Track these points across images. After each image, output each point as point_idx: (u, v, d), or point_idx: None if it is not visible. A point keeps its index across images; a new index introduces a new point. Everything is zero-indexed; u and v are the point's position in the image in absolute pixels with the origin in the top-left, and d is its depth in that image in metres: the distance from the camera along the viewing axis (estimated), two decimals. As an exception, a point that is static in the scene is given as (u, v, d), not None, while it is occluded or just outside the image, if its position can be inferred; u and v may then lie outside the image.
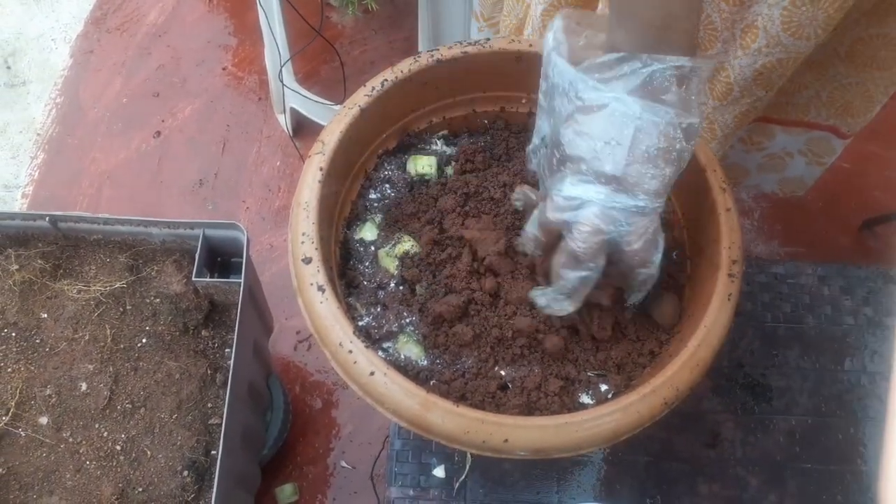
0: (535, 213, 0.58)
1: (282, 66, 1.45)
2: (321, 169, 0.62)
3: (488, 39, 0.68)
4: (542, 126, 0.57)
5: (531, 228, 0.58)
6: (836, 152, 1.02)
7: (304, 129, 1.68)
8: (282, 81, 1.49)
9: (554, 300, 0.58)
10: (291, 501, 1.30)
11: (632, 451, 0.79)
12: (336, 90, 1.66)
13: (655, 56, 0.49)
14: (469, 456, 0.78)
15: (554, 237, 0.56)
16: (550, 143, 0.54)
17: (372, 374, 0.54)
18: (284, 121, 1.66)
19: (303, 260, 0.58)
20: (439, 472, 0.77)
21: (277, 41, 1.43)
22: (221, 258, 1.06)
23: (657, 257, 0.55)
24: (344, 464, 1.34)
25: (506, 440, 0.52)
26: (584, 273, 0.54)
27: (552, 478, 0.77)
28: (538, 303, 0.60)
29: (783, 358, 0.85)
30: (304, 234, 0.58)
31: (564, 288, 0.56)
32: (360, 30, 1.83)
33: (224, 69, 1.79)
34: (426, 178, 0.71)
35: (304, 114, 1.58)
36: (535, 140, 0.58)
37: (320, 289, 0.56)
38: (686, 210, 0.68)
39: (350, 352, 0.54)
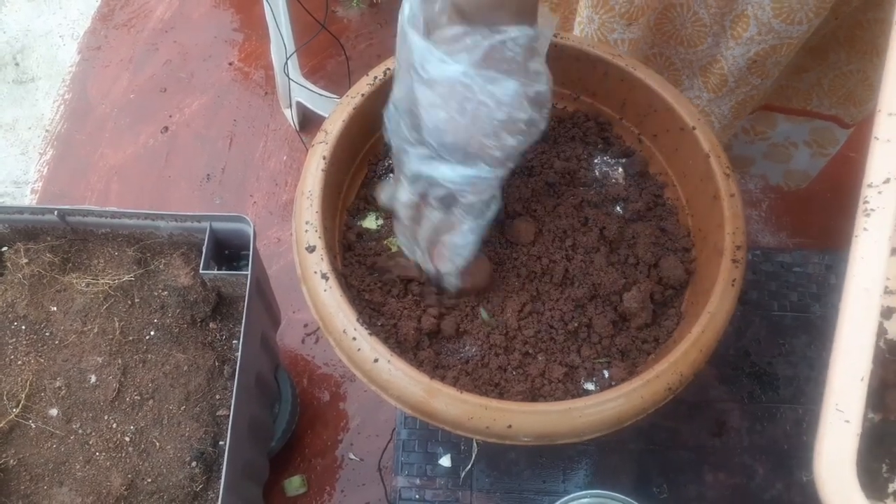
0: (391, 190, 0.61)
1: (287, 60, 1.45)
2: (324, 158, 0.62)
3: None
4: (395, 91, 0.56)
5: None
6: (840, 142, 1.01)
7: (310, 124, 1.68)
8: (288, 76, 1.49)
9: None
10: (300, 493, 1.30)
11: (638, 440, 0.79)
12: (342, 84, 1.67)
13: (496, 28, 0.50)
14: (475, 445, 0.78)
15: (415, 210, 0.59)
16: (402, 109, 0.55)
17: (376, 361, 0.54)
18: (291, 115, 1.66)
19: (306, 248, 0.58)
20: (445, 461, 0.78)
21: (283, 36, 1.43)
22: (229, 251, 1.07)
23: (488, 215, 0.58)
24: (352, 456, 1.35)
25: (509, 426, 0.52)
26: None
27: (558, 467, 0.77)
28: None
29: (790, 347, 0.84)
30: (307, 223, 0.59)
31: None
32: (365, 23, 1.83)
33: (230, 64, 1.80)
34: None
35: (310, 108, 1.58)
36: (389, 106, 0.57)
37: (324, 277, 0.57)
38: (690, 196, 0.68)
39: (354, 339, 0.55)
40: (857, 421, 0.42)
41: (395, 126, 0.56)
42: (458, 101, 0.50)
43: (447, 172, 0.54)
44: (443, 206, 0.57)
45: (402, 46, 0.53)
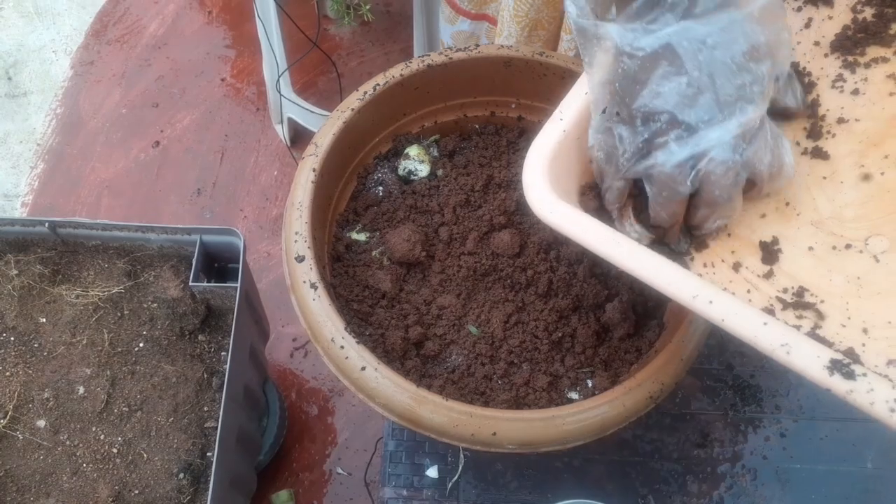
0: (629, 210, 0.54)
1: (279, 77, 1.47)
2: (314, 170, 0.63)
3: (477, 45, 0.70)
4: (600, 100, 0.51)
5: (639, 226, 0.54)
6: None
7: (301, 140, 1.70)
8: (279, 92, 1.50)
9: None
10: (287, 507, 1.30)
11: (622, 451, 0.80)
12: (333, 101, 1.68)
13: None
14: (462, 456, 0.78)
15: (681, 206, 0.51)
16: (623, 115, 0.50)
17: (363, 369, 0.55)
18: (282, 131, 1.67)
19: (296, 258, 0.59)
20: (432, 472, 0.78)
21: (275, 52, 1.45)
22: (218, 264, 1.08)
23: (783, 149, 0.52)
24: (340, 470, 1.35)
25: (494, 433, 0.53)
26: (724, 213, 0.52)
27: (544, 478, 0.78)
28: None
29: (772, 359, 0.86)
30: (297, 233, 0.60)
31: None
32: (356, 41, 1.85)
33: (223, 80, 1.81)
34: (418, 173, 0.73)
35: (301, 124, 1.60)
36: (595, 119, 0.52)
37: (313, 286, 0.58)
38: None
39: (342, 347, 0.56)
40: (567, 120, 0.53)
41: (615, 143, 0.51)
42: (688, 58, 0.46)
43: (719, 134, 0.47)
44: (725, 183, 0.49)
45: (594, 44, 0.49)
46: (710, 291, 0.46)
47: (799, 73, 0.59)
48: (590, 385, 0.62)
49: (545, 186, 0.50)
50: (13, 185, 1.66)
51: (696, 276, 0.48)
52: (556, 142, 0.52)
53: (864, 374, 0.43)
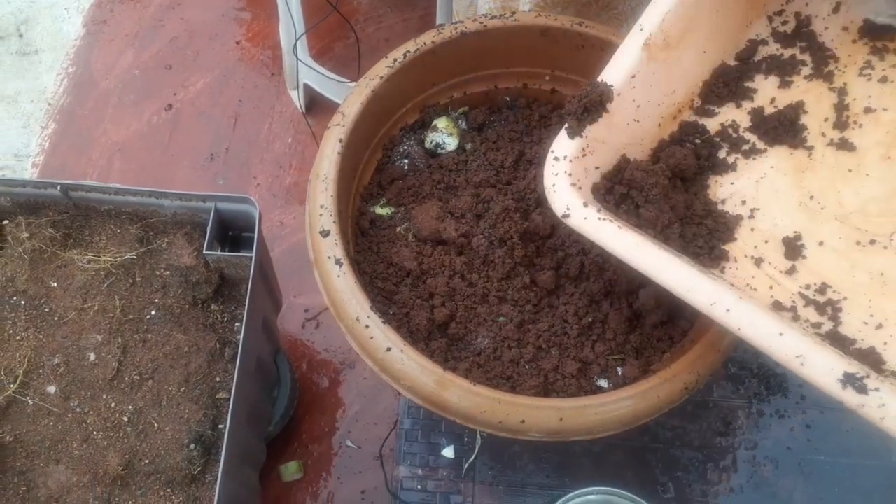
0: None
1: (297, 41, 1.43)
2: (340, 141, 0.60)
3: (514, 13, 0.66)
4: None
5: None
6: None
7: (316, 106, 1.66)
8: (296, 56, 1.47)
9: None
10: (296, 479, 1.30)
11: (643, 437, 0.78)
12: (349, 67, 1.64)
13: None
14: (479, 437, 0.77)
15: None
16: None
17: (389, 350, 0.53)
18: (297, 97, 1.64)
19: (321, 232, 0.57)
20: (448, 452, 0.77)
21: (293, 16, 1.41)
22: (232, 232, 1.05)
23: None
24: (349, 443, 1.34)
25: (522, 421, 0.51)
26: None
27: (562, 462, 0.77)
28: None
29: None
30: (322, 207, 0.57)
31: None
32: (375, 6, 1.81)
33: (237, 43, 1.77)
34: (446, 146, 0.70)
35: (317, 90, 1.56)
36: None
37: (338, 262, 0.55)
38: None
39: (367, 327, 0.54)
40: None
41: None
42: None
43: None
44: None
45: None
46: (728, 299, 0.45)
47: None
48: (620, 373, 0.60)
49: (569, 191, 0.51)
50: (24, 144, 1.64)
51: (714, 279, 0.46)
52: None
53: (877, 389, 0.42)
